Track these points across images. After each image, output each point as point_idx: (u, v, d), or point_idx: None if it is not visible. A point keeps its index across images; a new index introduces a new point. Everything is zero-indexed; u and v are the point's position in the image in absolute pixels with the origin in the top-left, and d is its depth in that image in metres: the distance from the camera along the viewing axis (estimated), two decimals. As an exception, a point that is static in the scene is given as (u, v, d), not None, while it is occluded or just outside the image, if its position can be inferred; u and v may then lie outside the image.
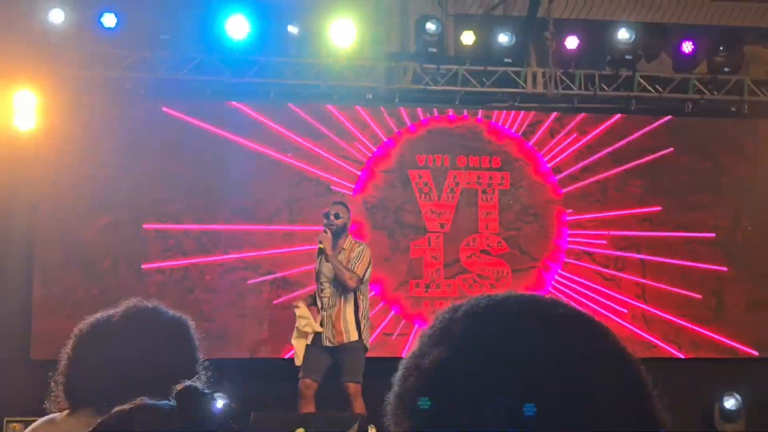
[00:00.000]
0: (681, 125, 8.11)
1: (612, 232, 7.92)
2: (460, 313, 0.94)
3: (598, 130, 7.99)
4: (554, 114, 7.96)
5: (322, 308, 5.97)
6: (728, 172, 8.08)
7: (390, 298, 7.57)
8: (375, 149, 7.73)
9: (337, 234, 5.98)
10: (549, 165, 7.91)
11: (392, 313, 7.61)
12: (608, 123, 8.01)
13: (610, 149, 7.97)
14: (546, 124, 7.95)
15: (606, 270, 7.88)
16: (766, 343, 7.87)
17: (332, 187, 7.64)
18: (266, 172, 7.57)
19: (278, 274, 7.47)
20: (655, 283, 7.88)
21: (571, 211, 7.93)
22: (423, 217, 7.72)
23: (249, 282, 7.45)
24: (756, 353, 7.86)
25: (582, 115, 8.00)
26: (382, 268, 7.33)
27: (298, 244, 7.46)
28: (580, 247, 7.88)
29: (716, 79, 7.99)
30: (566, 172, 7.92)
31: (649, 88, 8.01)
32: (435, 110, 7.84)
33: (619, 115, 8.04)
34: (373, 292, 6.80)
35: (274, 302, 7.47)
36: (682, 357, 7.81)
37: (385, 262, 7.51)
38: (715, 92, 8.07)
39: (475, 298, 0.96)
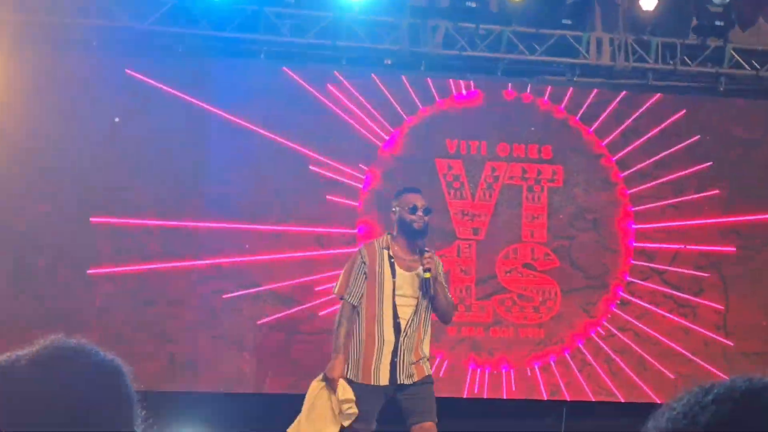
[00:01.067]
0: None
1: (689, 246, 7.17)
2: (711, 398, 0.89)
3: (676, 116, 7.20)
4: (622, 93, 7.25)
5: (399, 334, 4.86)
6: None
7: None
8: (393, 130, 6.98)
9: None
10: (613, 158, 7.16)
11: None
12: (690, 106, 7.27)
13: (690, 140, 7.19)
14: (612, 106, 7.19)
15: (679, 294, 7.15)
16: None
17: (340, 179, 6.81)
18: (252, 154, 6.79)
19: (264, 287, 6.72)
20: (740, 312, 7.15)
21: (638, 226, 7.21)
22: (451, 219, 7.00)
23: (226, 295, 6.69)
24: None
25: (657, 95, 7.26)
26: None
27: (289, 248, 6.74)
28: (648, 264, 7.15)
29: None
30: (634, 168, 7.17)
31: (743, 63, 7.30)
32: (471, 82, 7.09)
33: (704, 97, 7.37)
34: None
35: (258, 322, 6.67)
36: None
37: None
38: (827, 70, 7.44)
39: (732, 380, 0.91)
